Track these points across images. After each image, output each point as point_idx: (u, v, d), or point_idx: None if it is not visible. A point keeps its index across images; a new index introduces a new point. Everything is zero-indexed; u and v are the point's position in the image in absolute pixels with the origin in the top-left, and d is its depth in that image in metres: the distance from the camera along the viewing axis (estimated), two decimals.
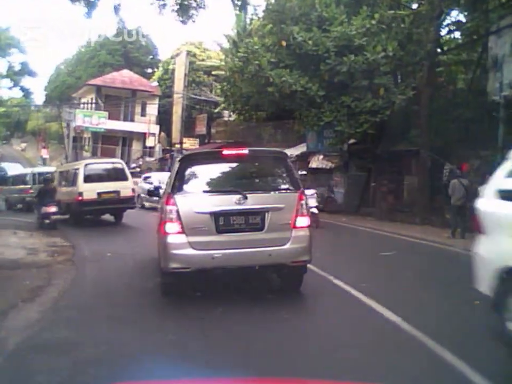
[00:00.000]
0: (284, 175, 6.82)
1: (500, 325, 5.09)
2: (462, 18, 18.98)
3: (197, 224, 6.19)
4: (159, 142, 44.28)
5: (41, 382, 4.32)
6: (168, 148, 42.31)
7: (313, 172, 21.52)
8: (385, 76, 17.26)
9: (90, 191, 15.00)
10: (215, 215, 6.20)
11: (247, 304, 6.33)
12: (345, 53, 16.65)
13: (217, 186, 6.74)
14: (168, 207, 6.28)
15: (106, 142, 43.46)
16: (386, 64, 16.93)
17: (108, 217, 16.71)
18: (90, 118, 41.98)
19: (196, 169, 6.77)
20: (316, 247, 7.02)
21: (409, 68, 18.11)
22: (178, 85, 39.83)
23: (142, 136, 44.18)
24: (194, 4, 15.67)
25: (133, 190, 16.04)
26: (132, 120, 44.22)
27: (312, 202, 14.48)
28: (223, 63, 29.13)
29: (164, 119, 43.41)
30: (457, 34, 20.50)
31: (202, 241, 6.18)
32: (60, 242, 12.20)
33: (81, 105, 45.63)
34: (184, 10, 15.47)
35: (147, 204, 19.46)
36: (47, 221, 14.68)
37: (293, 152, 23.54)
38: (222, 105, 32.08)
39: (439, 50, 18.25)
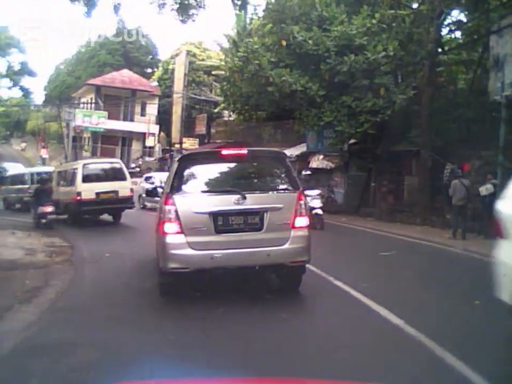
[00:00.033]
0: (283, 175, 6.82)
1: None
2: (462, 17, 18.94)
3: (196, 224, 6.18)
4: (158, 142, 44.26)
5: None
6: (167, 147, 42.31)
7: (313, 172, 21.42)
8: (386, 76, 17.20)
9: (88, 191, 14.96)
10: (214, 215, 6.19)
11: (246, 304, 6.30)
12: (346, 53, 16.59)
13: (216, 186, 6.71)
14: (167, 207, 6.26)
15: (106, 141, 43.45)
16: (387, 64, 16.87)
17: (106, 217, 16.65)
18: (90, 117, 41.97)
19: (195, 169, 6.75)
20: (316, 247, 6.99)
21: (410, 67, 18.04)
22: (178, 84, 39.81)
23: (142, 136, 44.17)
24: (194, 3, 15.59)
25: (131, 190, 15.98)
26: (132, 120, 44.21)
27: (317, 203, 14.39)
28: (223, 63, 29.07)
29: (163, 119, 43.41)
30: (458, 34, 20.46)
31: (201, 241, 6.16)
32: (58, 243, 12.14)
33: (81, 105, 45.62)
34: (183, 10, 15.38)
35: (149, 204, 19.38)
36: (44, 221, 14.70)
37: (293, 152, 23.47)
38: (222, 105, 32.02)
39: (439, 50, 18.17)
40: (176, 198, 6.26)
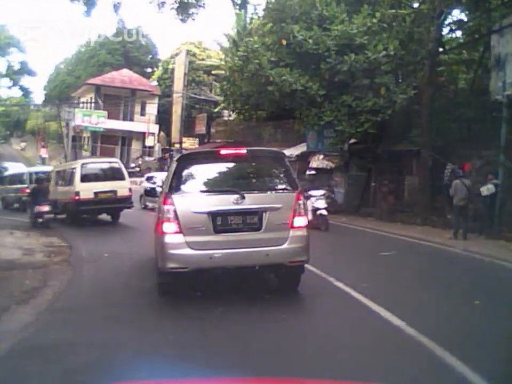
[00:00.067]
0: (282, 175, 6.81)
1: None
2: (463, 17, 18.88)
3: (195, 224, 6.16)
4: (158, 141, 44.22)
5: None
6: (167, 147, 42.26)
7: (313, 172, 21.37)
8: (386, 75, 17.13)
9: (87, 190, 14.93)
10: (213, 215, 6.18)
11: (246, 304, 6.30)
12: (346, 52, 16.52)
13: (215, 186, 6.71)
14: (166, 207, 6.25)
15: (106, 141, 43.40)
16: (388, 63, 16.80)
17: (105, 216, 16.59)
18: (89, 117, 41.93)
19: (194, 169, 6.75)
20: (316, 247, 6.95)
21: (410, 67, 17.97)
22: (178, 84, 39.76)
23: (142, 136, 44.13)
24: (193, 2, 15.56)
25: (130, 190, 15.92)
26: (131, 119, 44.16)
27: (321, 203, 14.10)
28: (222, 62, 29.01)
29: (163, 119, 43.36)
30: (458, 34, 20.37)
31: (200, 241, 6.15)
32: (57, 243, 12.09)
33: (81, 105, 45.55)
34: (183, 9, 15.38)
35: (150, 205, 19.30)
36: (40, 220, 14.74)
37: (293, 151, 23.41)
38: (222, 104, 31.95)
39: (440, 49, 18.11)
40: (175, 197, 6.26)
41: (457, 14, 18.83)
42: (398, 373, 4.36)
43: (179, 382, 2.95)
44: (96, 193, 15.05)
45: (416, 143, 17.24)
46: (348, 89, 17.26)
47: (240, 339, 5.28)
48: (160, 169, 34.08)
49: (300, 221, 6.39)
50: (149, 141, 43.75)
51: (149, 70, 53.80)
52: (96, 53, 52.71)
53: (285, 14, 18.40)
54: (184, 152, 17.80)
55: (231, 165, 7.05)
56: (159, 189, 11.52)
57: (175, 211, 6.15)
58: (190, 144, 38.88)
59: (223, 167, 7.00)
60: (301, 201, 6.46)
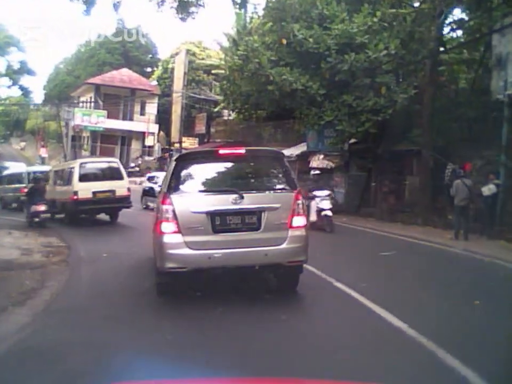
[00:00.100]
0: (281, 174, 6.79)
1: None
2: (464, 16, 18.79)
3: (193, 223, 6.15)
4: (158, 141, 44.14)
5: None
6: (167, 147, 42.18)
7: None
8: (387, 75, 17.04)
9: (85, 190, 14.89)
10: (212, 215, 6.17)
11: (245, 304, 6.28)
12: (347, 51, 16.45)
13: (214, 186, 6.69)
14: (164, 207, 6.22)
15: (105, 141, 43.31)
16: (388, 63, 16.72)
17: (103, 216, 16.52)
18: (89, 117, 41.84)
19: (192, 168, 6.75)
20: (317, 247, 6.87)
21: (411, 66, 17.89)
22: (178, 84, 39.69)
23: (141, 135, 44.06)
24: (193, 1, 15.45)
25: (129, 189, 15.87)
26: (131, 119, 44.09)
27: (326, 204, 13.83)
28: (222, 62, 28.93)
29: (163, 118, 43.29)
30: (459, 33, 20.28)
31: (198, 241, 6.14)
32: (55, 243, 12.01)
33: (80, 104, 45.45)
34: (183, 7, 15.25)
35: (151, 205, 19.18)
36: (37, 219, 14.74)
37: (293, 151, 23.34)
38: (222, 104, 31.88)
39: (441, 48, 18.03)
40: (174, 197, 6.24)
41: (459, 14, 18.78)
42: (397, 374, 4.35)
43: (179, 382, 2.95)
44: (94, 193, 15.01)
45: (417, 143, 17.16)
46: (349, 89, 17.19)
47: (240, 339, 5.27)
48: (160, 169, 33.99)
49: (299, 221, 6.37)
50: (149, 141, 43.67)
51: (149, 69, 53.73)
52: (96, 53, 52.62)
53: (285, 13, 18.33)
54: (183, 152, 17.73)
55: (229, 164, 7.03)
56: (158, 189, 11.42)
57: (173, 211, 6.13)
58: (189, 143, 38.81)
59: (221, 166, 6.98)
60: (299, 201, 6.43)
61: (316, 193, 14.15)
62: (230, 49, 26.49)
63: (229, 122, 34.70)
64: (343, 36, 16.63)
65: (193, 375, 3.88)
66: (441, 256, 11.00)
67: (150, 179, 22.13)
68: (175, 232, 6.11)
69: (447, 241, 12.42)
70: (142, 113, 44.11)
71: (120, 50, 51.57)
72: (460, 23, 18.43)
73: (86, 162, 16.53)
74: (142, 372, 4.00)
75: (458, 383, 4.26)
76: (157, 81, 46.49)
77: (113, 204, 15.46)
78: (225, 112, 35.74)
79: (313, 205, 13.90)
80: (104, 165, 16.49)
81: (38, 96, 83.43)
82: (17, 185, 21.01)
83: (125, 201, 15.68)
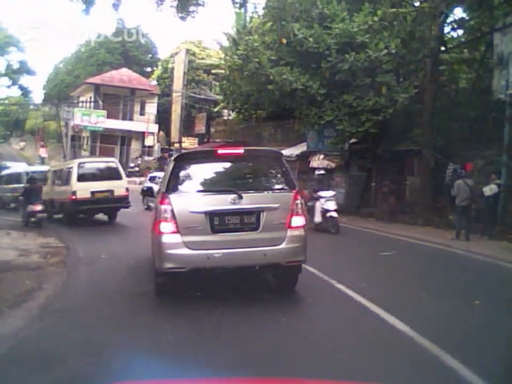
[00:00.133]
0: (279, 175, 6.79)
1: None
2: (465, 16, 18.70)
3: (192, 223, 6.14)
4: (158, 141, 44.05)
5: None
6: (167, 147, 42.10)
7: (314, 172, 21.19)
8: (388, 74, 16.96)
9: (83, 190, 14.84)
10: (210, 215, 6.16)
11: (245, 304, 6.28)
12: (347, 50, 16.38)
13: (212, 186, 6.68)
14: (163, 207, 6.23)
15: (105, 141, 43.21)
16: (389, 62, 16.64)
17: (102, 216, 16.45)
18: (88, 116, 41.74)
19: (191, 168, 6.73)
20: (316, 247, 6.81)
21: (412, 66, 17.82)
22: (178, 83, 39.60)
23: (141, 135, 43.96)
24: (193, 0, 15.34)
25: (127, 189, 15.83)
26: (131, 119, 44.00)
27: (331, 205, 13.59)
28: (222, 61, 28.84)
29: (163, 118, 43.20)
30: (460, 32, 20.19)
31: (197, 241, 6.13)
32: (54, 243, 11.91)
33: (80, 104, 45.36)
34: (183, 6, 15.13)
35: (153, 205, 19.02)
36: (33, 219, 14.72)
37: (293, 151, 23.26)
38: (222, 104, 31.81)
39: (442, 48, 17.94)
40: (172, 197, 6.23)
41: (459, 13, 18.69)
42: (397, 374, 4.33)
43: (179, 382, 2.95)
44: (93, 193, 14.96)
45: (417, 142, 17.08)
46: (349, 88, 17.12)
47: (240, 339, 5.26)
48: (160, 169, 33.89)
49: (298, 221, 6.37)
50: (149, 141, 43.58)
51: (149, 69, 53.65)
52: (96, 52, 52.52)
53: (285, 12, 18.26)
54: (182, 151, 17.63)
55: (228, 164, 7.01)
56: (156, 189, 11.34)
57: (172, 211, 6.12)
58: (189, 143, 38.73)
59: (220, 166, 6.96)
60: (298, 201, 6.43)
61: (321, 193, 13.89)
62: (230, 48, 26.38)
63: (228, 122, 34.63)
64: (343, 35, 16.56)
65: (193, 375, 3.87)
66: (442, 257, 10.94)
67: (152, 179, 21.97)
68: (173, 232, 6.10)
69: (448, 242, 12.35)
70: (142, 113, 44.02)
71: (120, 50, 51.49)
72: (460, 23, 18.35)
73: (84, 162, 16.45)
74: (142, 372, 3.99)
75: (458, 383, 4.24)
76: (157, 81, 46.39)
77: (112, 204, 15.40)
78: (225, 112, 35.68)
79: (318, 205, 13.67)
80: (103, 165, 16.44)
81: (37, 96, 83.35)
82: (15, 185, 20.89)
83: (123, 201, 15.62)
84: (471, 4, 16.35)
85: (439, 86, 18.18)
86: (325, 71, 16.96)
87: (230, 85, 23.18)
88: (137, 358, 4.48)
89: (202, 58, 40.29)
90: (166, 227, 6.14)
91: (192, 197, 6.33)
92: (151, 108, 44.25)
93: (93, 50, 52.68)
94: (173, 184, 6.39)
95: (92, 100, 43.40)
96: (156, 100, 44.82)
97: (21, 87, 64.64)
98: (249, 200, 6.23)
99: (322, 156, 20.80)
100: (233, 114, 31.99)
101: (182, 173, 6.54)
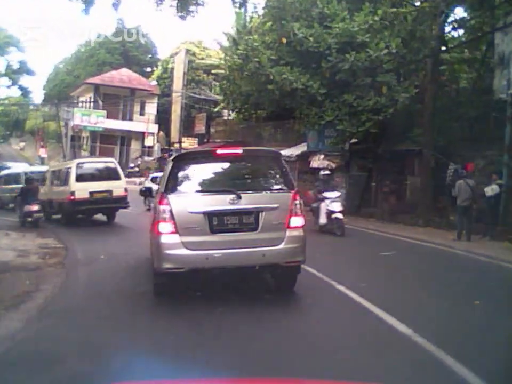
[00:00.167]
0: (278, 175, 6.78)
1: None
2: (466, 15, 18.64)
3: (191, 224, 6.13)
4: (158, 141, 43.99)
5: None
6: (167, 147, 42.04)
7: (314, 172, 21.13)
8: (388, 74, 16.88)
9: (82, 190, 14.81)
10: (209, 215, 6.15)
11: (245, 304, 6.26)
12: (347, 50, 16.30)
13: (211, 186, 6.68)
14: (162, 207, 6.22)
15: (105, 141, 43.16)
16: (389, 62, 16.57)
17: (101, 216, 16.40)
18: (88, 116, 41.69)
19: (190, 168, 6.72)
20: (316, 248, 6.77)
21: (412, 65, 17.75)
22: (177, 83, 39.55)
23: (141, 136, 43.91)
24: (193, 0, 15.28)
25: (126, 190, 15.78)
26: (131, 119, 43.95)
27: (336, 206, 13.23)
28: (222, 61, 28.78)
29: (162, 118, 43.15)
30: (460, 32, 20.14)
31: (196, 241, 6.12)
32: (53, 244, 11.86)
33: (80, 104, 45.30)
34: (183, 6, 15.07)
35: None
36: (29, 219, 14.73)
37: (293, 151, 23.19)
38: (222, 104, 31.75)
39: (443, 48, 17.88)
40: (171, 197, 6.22)
41: (460, 12, 18.61)
42: (397, 374, 4.32)
43: (179, 382, 2.95)
44: (91, 193, 14.93)
45: (418, 142, 17.02)
46: (349, 88, 17.05)
47: (240, 339, 5.27)
48: (160, 169, 33.83)
49: (296, 221, 6.36)
50: (148, 141, 43.53)
51: (149, 69, 53.59)
52: (96, 52, 52.46)
53: (285, 11, 18.19)
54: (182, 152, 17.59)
55: (227, 164, 7.01)
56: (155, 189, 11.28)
57: (171, 211, 6.10)
58: (189, 144, 38.67)
59: (219, 167, 6.96)
60: (297, 201, 6.42)
61: (326, 194, 13.53)
62: (230, 48, 26.31)
63: (228, 122, 34.56)
64: (343, 34, 16.49)
65: (193, 375, 3.87)
66: (444, 258, 10.88)
67: (154, 180, 21.87)
68: (172, 232, 6.09)
69: (449, 243, 12.28)
70: (142, 113, 43.97)
71: (119, 50, 51.42)
72: (461, 22, 18.29)
73: (83, 163, 16.44)
74: (142, 372, 3.98)
75: None
76: (157, 81, 46.34)
77: (110, 204, 15.36)
78: (225, 112, 35.61)
79: (323, 206, 13.34)
80: (101, 165, 16.42)
81: (37, 96, 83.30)
82: (14, 186, 20.84)
83: (122, 202, 15.58)
84: (472, 3, 16.28)
85: (439, 86, 18.13)
86: (325, 70, 16.89)
87: (230, 84, 23.12)
88: (136, 358, 4.45)
89: (202, 59, 40.23)
90: (165, 227, 6.12)
91: (191, 197, 6.32)
92: (151, 108, 44.20)
93: (93, 50, 52.61)
94: (171, 185, 6.38)
95: (92, 100, 43.37)
96: (155, 100, 44.77)
97: (21, 87, 64.63)
98: (248, 201, 6.21)
99: (322, 156, 20.73)
100: (233, 114, 31.92)
101: (180, 173, 6.53)
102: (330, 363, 4.55)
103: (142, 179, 28.77)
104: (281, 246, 6.25)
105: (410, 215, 16.48)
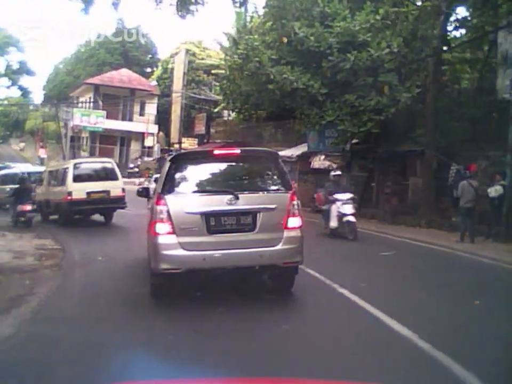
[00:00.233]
0: (276, 175, 6.74)
1: None
2: (468, 15, 18.47)
3: (188, 224, 6.11)
4: (157, 141, 43.88)
5: None
6: (166, 147, 41.91)
7: (314, 173, 20.99)
8: (390, 73, 16.71)
9: (79, 190, 14.72)
10: (206, 216, 6.12)
11: (245, 304, 6.28)
12: (349, 49, 16.14)
13: (209, 187, 6.71)
14: (159, 207, 6.19)
15: (105, 141, 43.05)
16: (391, 61, 16.41)
17: (98, 217, 16.28)
18: (88, 117, 41.58)
19: (187, 169, 6.70)
20: (316, 247, 6.66)
21: (414, 65, 17.59)
22: (177, 84, 39.46)
23: (141, 136, 43.81)
24: None
25: (123, 190, 15.71)
26: (131, 119, 43.86)
27: (348, 208, 12.51)
28: (222, 61, 28.67)
29: (162, 119, 43.07)
30: (463, 32, 20.00)
31: (193, 242, 6.09)
32: (49, 245, 11.72)
33: (79, 104, 45.18)
34: (182, 4, 14.93)
35: None
36: (22, 219, 14.74)
37: (293, 152, 23.07)
38: (222, 104, 31.62)
39: (444, 47, 17.73)
40: (168, 198, 6.18)
41: (462, 12, 18.48)
42: (396, 375, 4.31)
43: (179, 382, 2.96)
44: (88, 193, 14.83)
45: (420, 143, 16.88)
46: (351, 88, 16.89)
47: (240, 339, 5.27)
48: (159, 169, 33.68)
49: (294, 222, 6.34)
50: (148, 141, 43.43)
51: (148, 69, 53.51)
52: (95, 53, 52.36)
53: (285, 11, 18.06)
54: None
55: (225, 165, 6.99)
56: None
57: (168, 211, 6.07)
58: (189, 144, 38.55)
59: (216, 167, 6.92)
60: (294, 202, 6.40)
61: (337, 196, 12.80)
62: (230, 48, 26.17)
63: (228, 122, 34.45)
64: (344, 34, 16.33)
65: (193, 375, 3.87)
66: (447, 259, 10.77)
67: (156, 181, 21.66)
68: (169, 233, 6.06)
69: (452, 244, 12.14)
70: (142, 113, 43.88)
71: (119, 50, 51.33)
72: (463, 22, 18.13)
73: (80, 163, 16.37)
74: (142, 372, 3.98)
75: None
76: (157, 81, 46.23)
77: (108, 205, 15.28)
78: (225, 112, 35.49)
79: (334, 209, 12.65)
80: (99, 165, 16.35)
81: (37, 97, 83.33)
82: (11, 186, 20.71)
83: (119, 202, 15.49)
84: (475, 2, 16.12)
85: (441, 86, 17.98)
86: (326, 70, 16.74)
87: (230, 84, 23.00)
88: (136, 359, 4.42)
89: (202, 59, 40.12)
90: (162, 228, 6.08)
91: (188, 198, 6.29)
92: (151, 108, 44.10)
93: (93, 50, 52.53)
94: (168, 185, 6.34)
95: (92, 100, 43.26)
96: (155, 100, 44.68)
97: (21, 88, 64.60)
98: (246, 201, 6.19)
99: (323, 157, 20.60)
100: (233, 115, 31.81)
101: (178, 174, 6.48)
102: (330, 363, 4.53)
103: (142, 179, 28.61)
104: (279, 246, 6.22)
105: (412, 216, 16.33)
